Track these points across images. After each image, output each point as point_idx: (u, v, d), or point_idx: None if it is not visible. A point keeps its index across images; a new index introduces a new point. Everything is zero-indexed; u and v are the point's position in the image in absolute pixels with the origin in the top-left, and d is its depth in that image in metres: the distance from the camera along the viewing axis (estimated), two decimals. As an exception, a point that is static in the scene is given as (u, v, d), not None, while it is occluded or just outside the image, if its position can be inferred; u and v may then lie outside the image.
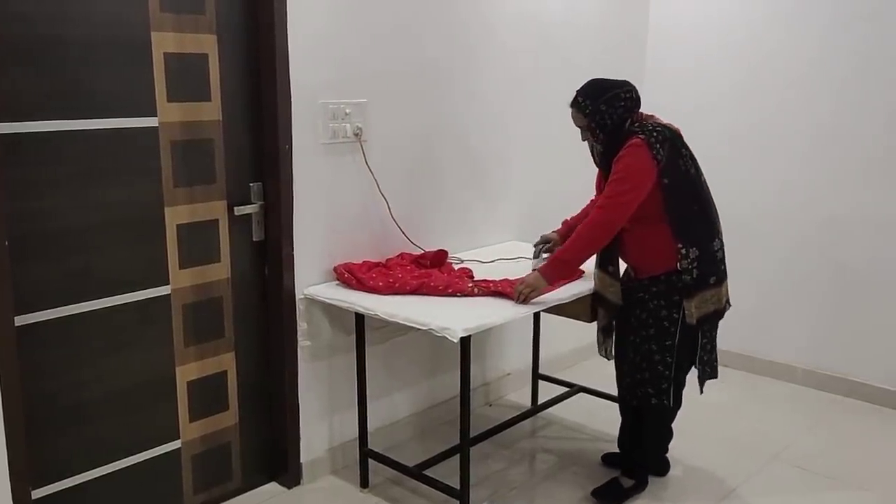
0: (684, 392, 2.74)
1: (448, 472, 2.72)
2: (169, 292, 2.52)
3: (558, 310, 2.82)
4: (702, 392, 2.73)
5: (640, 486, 2.87)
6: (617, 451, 3.04)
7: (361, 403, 2.86)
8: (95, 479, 2.44)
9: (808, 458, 3.17)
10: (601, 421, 3.37)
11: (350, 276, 2.76)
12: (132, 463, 2.52)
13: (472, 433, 3.02)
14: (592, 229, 2.57)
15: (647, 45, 4.19)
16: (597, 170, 2.75)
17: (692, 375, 2.73)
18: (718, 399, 3.58)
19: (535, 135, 3.55)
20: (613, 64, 3.71)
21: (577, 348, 3.96)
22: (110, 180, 2.34)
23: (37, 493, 2.30)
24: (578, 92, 2.62)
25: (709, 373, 2.71)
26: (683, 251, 2.54)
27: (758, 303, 3.97)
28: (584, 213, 2.94)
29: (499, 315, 2.51)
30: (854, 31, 3.56)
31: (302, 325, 2.79)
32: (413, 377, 3.27)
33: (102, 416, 2.42)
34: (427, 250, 3.03)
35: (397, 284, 2.70)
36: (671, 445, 2.96)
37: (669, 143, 2.52)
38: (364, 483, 2.90)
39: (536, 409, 3.50)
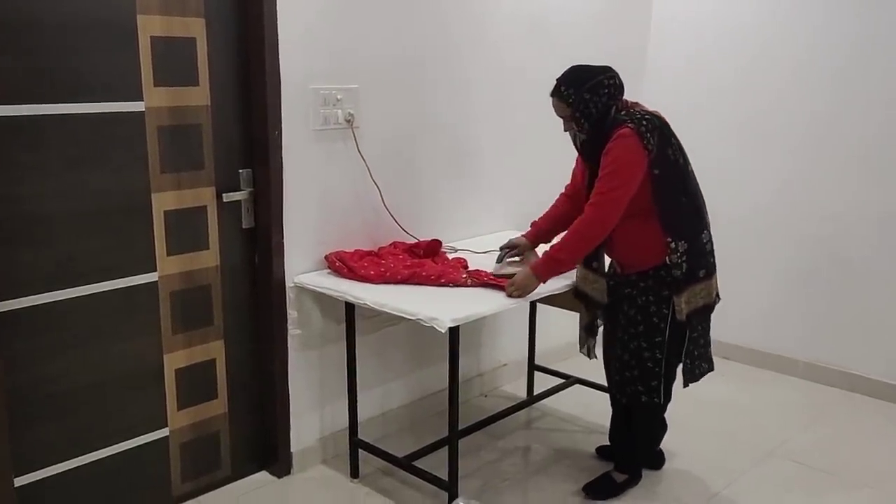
0: (685, 387, 2.69)
1: (438, 463, 2.69)
2: (156, 279, 2.50)
3: (553, 300, 2.79)
4: (686, 385, 2.67)
5: (633, 481, 2.84)
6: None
7: (352, 393, 2.83)
8: (81, 466, 2.42)
9: (807, 453, 3.13)
10: (596, 413, 3.33)
11: (341, 264, 2.73)
12: (119, 451, 2.50)
13: (466, 423, 3.01)
14: (588, 227, 2.48)
15: (650, 36, 4.12)
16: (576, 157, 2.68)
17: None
18: (717, 392, 3.55)
19: (530, 124, 3.50)
20: (612, 55, 3.65)
21: (573, 339, 3.86)
22: (95, 165, 2.31)
23: (20, 481, 2.29)
24: (559, 80, 2.53)
25: (705, 368, 2.66)
26: (672, 245, 2.47)
27: (759, 296, 3.92)
28: (555, 210, 2.86)
29: (489, 306, 2.47)
30: (851, 23, 3.49)
31: (292, 314, 2.77)
32: (405, 367, 3.24)
33: (88, 403, 2.40)
34: (420, 239, 2.99)
35: (388, 273, 2.66)
36: (666, 438, 2.92)
37: (659, 132, 2.44)
38: (354, 473, 2.88)
39: (531, 400, 3.47)
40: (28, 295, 2.23)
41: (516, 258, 2.78)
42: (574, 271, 2.70)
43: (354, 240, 2.90)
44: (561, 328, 3.62)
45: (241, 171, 2.66)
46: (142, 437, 2.55)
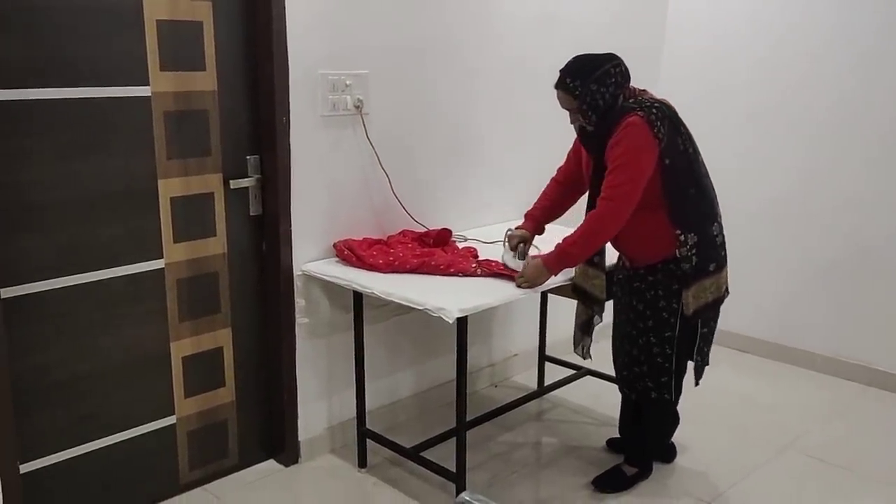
0: (696, 386, 2.65)
1: (447, 454, 2.66)
2: (162, 266, 2.48)
3: (563, 290, 2.74)
4: (697, 384, 2.62)
5: (643, 474, 2.79)
6: (622, 436, 2.96)
7: (360, 382, 2.81)
8: (87, 453, 2.42)
9: (823, 448, 3.06)
10: (606, 404, 3.28)
11: (350, 253, 2.69)
12: (125, 438, 2.50)
13: (475, 414, 2.99)
14: (601, 222, 2.40)
15: (667, 26, 4.03)
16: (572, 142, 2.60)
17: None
18: (731, 385, 3.49)
19: (542, 111, 3.41)
20: (628, 40, 3.58)
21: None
22: (101, 151, 2.28)
23: (25, 468, 2.28)
24: (564, 71, 2.43)
25: (703, 362, 2.60)
26: (682, 237, 2.40)
27: (777, 288, 3.85)
28: (546, 199, 2.76)
29: (498, 296, 2.43)
30: (870, 10, 3.40)
31: (300, 302, 2.74)
32: (414, 357, 3.21)
33: (94, 390, 2.40)
34: (430, 228, 2.95)
35: (397, 263, 2.63)
36: (678, 431, 2.87)
37: (669, 121, 2.36)
38: (362, 463, 2.85)
39: (542, 391, 3.43)
40: (33, 282, 2.22)
41: (533, 250, 2.72)
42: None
43: (363, 228, 2.86)
44: (572, 319, 3.56)
45: (248, 157, 2.62)
46: (149, 424, 2.55)
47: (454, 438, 2.60)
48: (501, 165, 3.37)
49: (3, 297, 2.14)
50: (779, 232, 3.82)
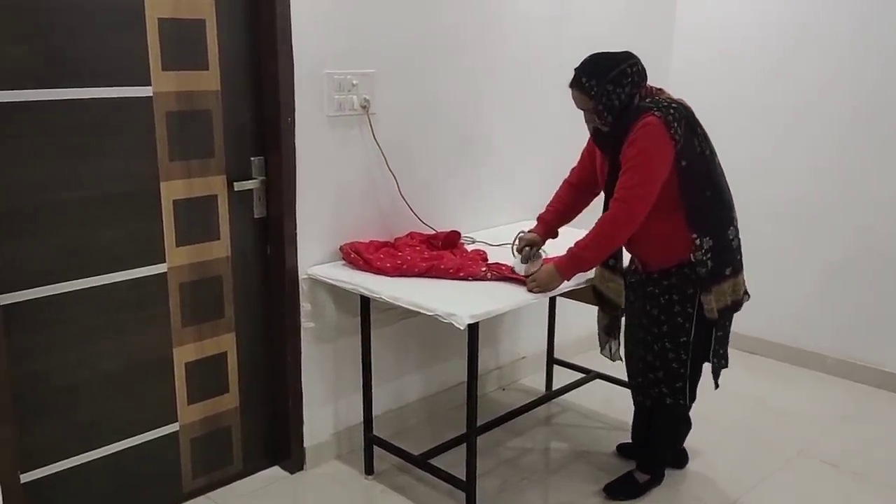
0: (717, 389, 2.59)
1: (456, 461, 2.61)
2: (165, 270, 2.42)
3: (573, 295, 2.68)
4: (717, 386, 2.57)
5: (655, 481, 2.74)
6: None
7: (366, 388, 2.75)
8: (89, 462, 2.36)
9: (837, 453, 3.01)
10: (617, 409, 3.23)
11: (356, 256, 2.64)
12: (128, 446, 2.44)
13: (484, 419, 2.93)
14: (613, 225, 2.34)
15: (676, 21, 3.97)
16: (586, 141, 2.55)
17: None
18: (743, 388, 3.44)
19: (552, 111, 3.37)
20: (640, 36, 3.53)
21: (594, 332, 3.79)
22: (102, 153, 2.22)
23: (26, 477, 2.23)
24: (579, 70, 2.36)
25: (723, 364, 2.55)
26: (698, 241, 2.34)
27: (788, 288, 3.80)
28: (559, 201, 2.70)
29: (509, 301, 2.37)
30: (892, 8, 3.33)
31: (305, 306, 2.68)
32: (421, 361, 3.15)
33: (95, 398, 2.34)
34: (438, 230, 2.89)
35: (405, 266, 2.57)
36: (690, 436, 2.81)
37: (686, 122, 2.30)
38: (369, 470, 2.80)
39: (551, 395, 3.38)
40: (33, 287, 2.16)
41: (542, 254, 2.66)
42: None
43: (370, 230, 2.80)
44: (581, 321, 3.51)
45: (252, 158, 2.56)
46: (151, 432, 2.49)
47: (463, 444, 2.55)
48: (510, 166, 3.31)
49: (2, 303, 2.09)
50: (790, 234, 3.76)
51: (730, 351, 2.58)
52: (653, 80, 2.42)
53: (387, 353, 2.97)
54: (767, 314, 3.80)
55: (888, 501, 2.73)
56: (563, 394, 3.33)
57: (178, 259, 2.44)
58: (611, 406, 3.30)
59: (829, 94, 3.56)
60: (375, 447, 2.79)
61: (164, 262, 2.41)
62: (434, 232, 2.89)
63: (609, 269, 2.51)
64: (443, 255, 2.70)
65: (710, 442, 3.01)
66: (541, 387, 3.52)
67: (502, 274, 2.53)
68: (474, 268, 2.57)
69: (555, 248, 2.60)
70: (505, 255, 2.74)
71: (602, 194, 2.52)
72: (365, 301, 2.65)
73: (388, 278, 2.53)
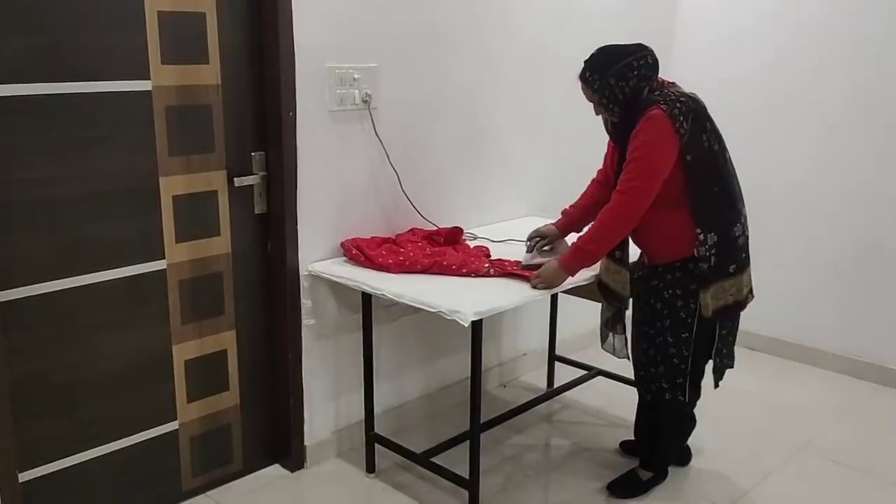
0: (716, 388, 2.58)
1: (457, 459, 2.59)
2: (165, 267, 2.39)
3: (576, 291, 2.66)
4: (717, 386, 2.55)
5: (658, 478, 2.73)
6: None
7: (368, 385, 2.73)
8: (88, 461, 2.34)
9: (840, 450, 3.00)
10: (619, 406, 3.22)
11: (358, 252, 2.61)
12: (127, 444, 2.41)
13: (485, 416, 2.89)
14: (615, 217, 2.34)
15: (680, 14, 3.95)
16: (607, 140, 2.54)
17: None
18: (745, 385, 3.42)
19: (555, 106, 3.35)
20: (641, 28, 3.49)
21: (596, 329, 3.79)
22: (100, 148, 2.19)
23: (24, 476, 2.20)
24: (586, 63, 2.37)
25: (727, 364, 2.54)
26: (702, 236, 2.33)
27: (788, 283, 3.78)
28: (586, 198, 2.70)
29: (513, 298, 2.35)
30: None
31: (306, 303, 2.66)
32: (423, 357, 3.13)
33: (94, 396, 2.31)
34: (440, 226, 2.87)
35: (408, 263, 2.55)
36: (693, 433, 2.80)
37: (693, 116, 2.29)
38: (370, 468, 2.78)
39: (552, 392, 3.36)
40: (31, 284, 2.13)
41: (546, 248, 2.64)
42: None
43: (371, 226, 2.78)
44: (583, 318, 3.50)
45: (253, 154, 2.54)
46: (150, 430, 2.46)
47: (465, 442, 2.53)
48: (514, 161, 3.29)
49: (1, 300, 2.05)
50: (791, 226, 3.75)
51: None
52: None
53: (388, 351, 2.95)
54: (769, 310, 3.77)
55: (891, 497, 2.72)
56: (564, 391, 3.31)
57: (178, 255, 2.41)
58: (613, 403, 3.29)
59: (831, 87, 3.54)
60: (377, 445, 2.76)
61: (164, 258, 2.38)
62: (436, 228, 2.86)
63: (615, 262, 2.50)
64: (445, 251, 2.67)
65: (712, 439, 3.00)
66: (542, 384, 3.50)
67: (505, 270, 2.51)
68: (477, 264, 2.55)
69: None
70: (507, 252, 2.72)
71: None
72: (366, 298, 2.62)
73: (391, 275, 2.50)
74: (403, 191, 2.81)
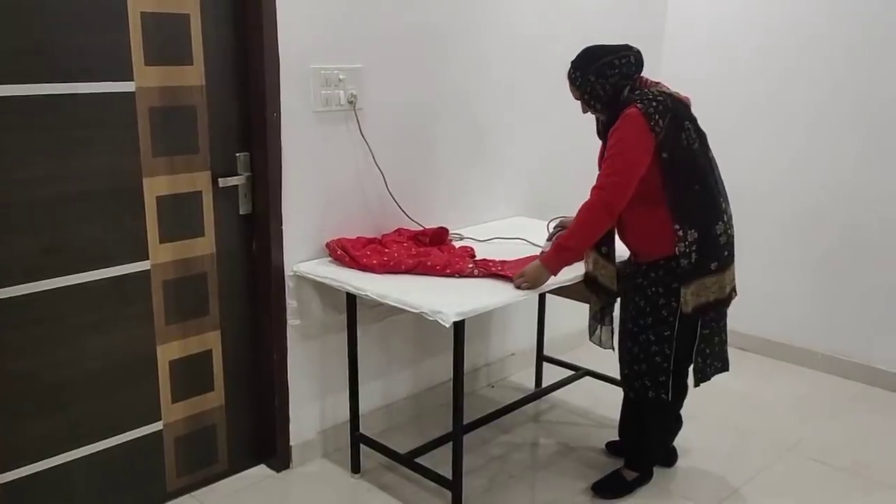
0: (696, 387, 2.57)
1: (443, 459, 2.59)
2: (148, 268, 2.39)
3: (563, 291, 2.67)
4: (696, 385, 2.54)
5: (644, 479, 2.73)
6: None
7: (353, 385, 2.73)
8: (71, 461, 2.34)
9: (827, 450, 3.01)
10: (606, 406, 3.22)
11: (343, 252, 2.61)
12: (110, 445, 2.41)
13: (472, 416, 2.92)
14: (592, 212, 2.36)
15: (667, 6, 3.96)
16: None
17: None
18: (731, 385, 3.41)
19: (542, 105, 3.35)
20: (630, 29, 3.51)
21: (584, 329, 3.79)
22: (83, 149, 2.19)
23: (5, 477, 2.20)
24: (572, 62, 2.44)
25: (718, 367, 2.54)
26: (681, 233, 2.34)
27: (775, 283, 3.79)
28: None
29: (496, 299, 2.35)
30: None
31: (291, 304, 2.66)
32: (409, 357, 3.13)
33: (78, 396, 2.31)
34: (426, 227, 2.87)
35: (392, 263, 2.55)
36: (679, 434, 2.80)
37: (671, 115, 2.31)
38: (355, 468, 2.78)
39: (540, 392, 3.36)
40: (13, 284, 2.13)
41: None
42: (584, 260, 2.58)
43: (357, 226, 2.78)
44: (570, 318, 3.51)
45: (237, 154, 2.54)
46: (134, 431, 2.46)
47: (450, 442, 2.54)
48: (500, 162, 3.29)
49: (-20, 301, 2.06)
50: (777, 225, 3.76)
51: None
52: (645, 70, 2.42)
53: (374, 351, 2.95)
54: (757, 310, 3.79)
55: (878, 498, 2.73)
56: (552, 391, 3.31)
57: (162, 256, 2.42)
58: (600, 403, 3.29)
59: (819, 88, 3.54)
60: (362, 445, 2.77)
61: (148, 259, 2.38)
62: (422, 228, 2.87)
63: (602, 257, 2.52)
64: (430, 251, 2.68)
65: (698, 439, 3.00)
66: (529, 383, 3.51)
67: (489, 271, 2.51)
68: (461, 264, 2.55)
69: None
70: (493, 251, 2.73)
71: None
72: (351, 298, 2.62)
73: (375, 275, 2.51)
74: (389, 191, 2.81)
